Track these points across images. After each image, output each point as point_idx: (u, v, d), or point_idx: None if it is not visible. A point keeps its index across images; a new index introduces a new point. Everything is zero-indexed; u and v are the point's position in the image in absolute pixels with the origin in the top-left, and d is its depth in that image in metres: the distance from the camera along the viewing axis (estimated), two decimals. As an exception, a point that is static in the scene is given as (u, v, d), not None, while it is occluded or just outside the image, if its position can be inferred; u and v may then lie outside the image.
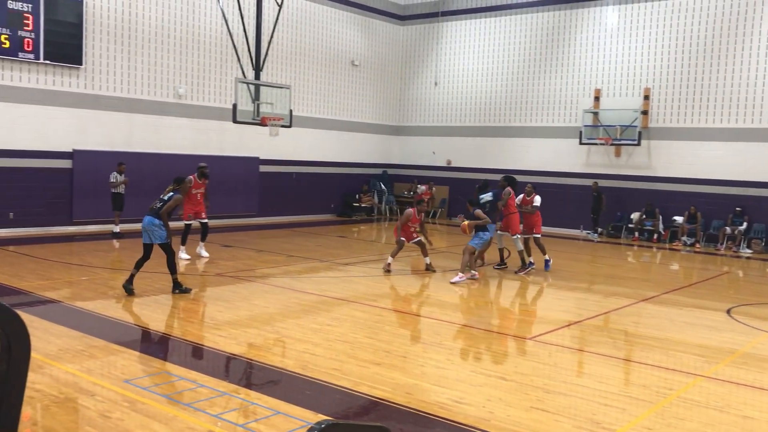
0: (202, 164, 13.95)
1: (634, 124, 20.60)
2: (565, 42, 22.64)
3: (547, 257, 13.96)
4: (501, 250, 14.18)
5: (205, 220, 13.87)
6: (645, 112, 20.79)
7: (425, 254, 13.29)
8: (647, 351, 8.30)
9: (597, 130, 21.28)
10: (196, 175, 13.59)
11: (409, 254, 14.89)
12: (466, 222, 12.42)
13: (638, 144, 20.68)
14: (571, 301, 11.57)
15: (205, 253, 14.01)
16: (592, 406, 6.13)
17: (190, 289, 10.44)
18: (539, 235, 13.93)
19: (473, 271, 12.47)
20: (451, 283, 12.01)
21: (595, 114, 21.45)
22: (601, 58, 21.89)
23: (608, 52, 21.74)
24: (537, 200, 13.83)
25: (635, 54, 21.20)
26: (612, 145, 21.19)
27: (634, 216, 20.87)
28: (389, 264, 13.04)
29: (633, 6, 21.27)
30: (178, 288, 10.29)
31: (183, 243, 13.66)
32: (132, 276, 10.14)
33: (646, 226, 20.61)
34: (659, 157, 20.86)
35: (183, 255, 13.52)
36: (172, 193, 10.39)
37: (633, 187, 21.16)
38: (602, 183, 21.22)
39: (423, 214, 13.59)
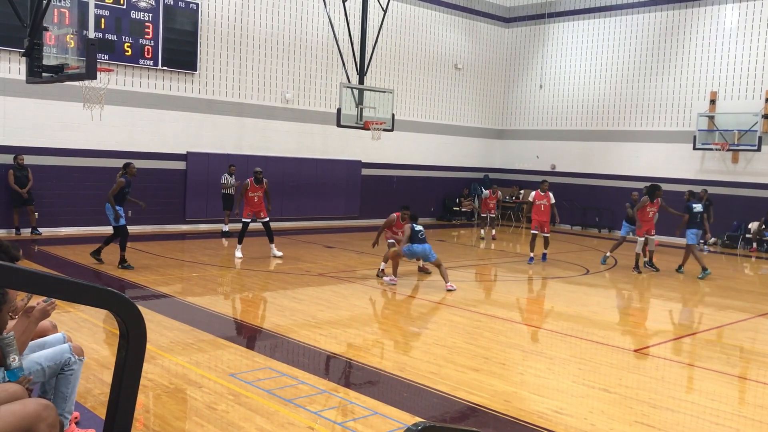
0: (258, 169, 14.31)
1: (753, 129, 19.43)
2: (679, 42, 21.66)
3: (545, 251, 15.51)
4: (637, 255, 14.56)
5: (266, 219, 13.95)
6: (766, 116, 19.58)
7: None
8: (765, 369, 7.81)
9: (712, 135, 20.22)
10: (252, 179, 13.96)
11: (508, 260, 14.62)
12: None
13: (758, 149, 19.49)
14: (681, 313, 11.05)
15: (278, 253, 14.01)
16: (702, 425, 5.83)
17: (133, 267, 11.86)
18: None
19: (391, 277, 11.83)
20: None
21: (711, 118, 20.38)
22: (717, 58, 20.79)
23: (726, 53, 20.61)
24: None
25: (756, 54, 20.00)
26: (729, 150, 20.09)
27: (752, 226, 19.69)
28: (382, 270, 12.17)
29: (755, 3, 20.08)
30: (122, 264, 11.90)
31: (239, 242, 13.93)
32: (99, 248, 12.19)
33: (766, 237, 19.40)
34: (781, 163, 19.58)
35: (237, 254, 13.76)
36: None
37: (751, 195, 19.95)
38: (717, 190, 20.12)
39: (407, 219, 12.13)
